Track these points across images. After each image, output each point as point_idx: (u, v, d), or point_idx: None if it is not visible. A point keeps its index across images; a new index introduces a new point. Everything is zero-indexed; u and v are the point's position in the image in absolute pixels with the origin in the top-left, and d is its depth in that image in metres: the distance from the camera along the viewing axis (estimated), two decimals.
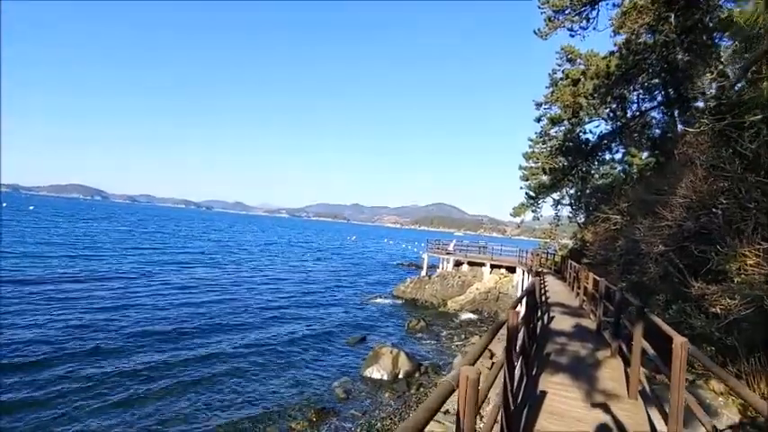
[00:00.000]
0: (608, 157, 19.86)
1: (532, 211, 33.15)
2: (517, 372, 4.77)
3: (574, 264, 15.59)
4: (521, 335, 4.70)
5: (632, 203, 12.42)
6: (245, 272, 35.95)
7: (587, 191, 23.16)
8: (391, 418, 11.41)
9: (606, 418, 4.00)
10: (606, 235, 15.34)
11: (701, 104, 12.47)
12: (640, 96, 19.41)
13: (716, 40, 13.04)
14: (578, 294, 12.87)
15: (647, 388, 4.20)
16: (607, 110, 22.44)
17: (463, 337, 20.36)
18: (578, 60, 24.64)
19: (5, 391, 11.01)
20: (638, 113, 17.38)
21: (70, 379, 12.06)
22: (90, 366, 13.04)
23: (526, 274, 23.08)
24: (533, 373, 5.13)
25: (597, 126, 21.56)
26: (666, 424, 3.59)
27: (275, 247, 67.09)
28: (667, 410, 4.15)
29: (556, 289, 15.68)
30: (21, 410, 10.20)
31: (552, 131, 29.08)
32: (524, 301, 5.09)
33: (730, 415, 6.18)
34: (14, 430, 9.50)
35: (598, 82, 16.25)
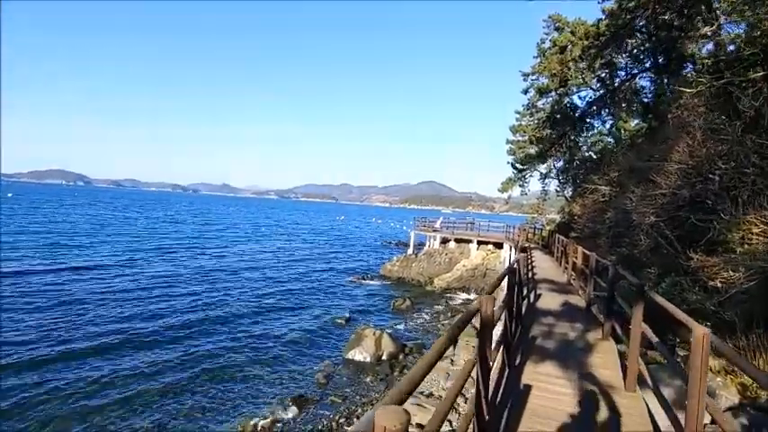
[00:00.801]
0: (597, 124, 19.12)
1: (520, 186, 32.60)
2: (498, 363, 4.11)
3: (562, 238, 15.06)
4: (501, 322, 4.02)
5: (622, 172, 11.79)
6: (228, 255, 35.06)
7: (575, 162, 22.52)
8: (373, 404, 10.88)
9: (601, 417, 3.38)
10: (594, 207, 14.77)
11: (692, 68, 11.76)
12: (629, 63, 18.63)
13: None
14: (566, 270, 12.33)
15: (649, 378, 3.59)
16: (595, 78, 21.68)
17: (449, 314, 19.92)
18: (566, 29, 23.71)
19: None
20: (627, 78, 16.61)
21: (41, 372, 11.29)
22: (61, 361, 12.26)
23: (513, 249, 22.60)
24: (517, 362, 4.50)
25: (586, 96, 20.71)
26: (675, 424, 2.95)
27: (261, 230, 66.06)
28: (669, 401, 3.56)
29: (543, 265, 15.16)
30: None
31: (540, 103, 28.27)
32: (506, 281, 4.41)
33: (729, 396, 5.66)
34: None
35: (587, 43, 15.41)
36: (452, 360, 10.77)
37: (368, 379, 12.46)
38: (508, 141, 31.12)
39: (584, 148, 26.02)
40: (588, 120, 19.35)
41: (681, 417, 2.85)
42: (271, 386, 11.75)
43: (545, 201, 33.00)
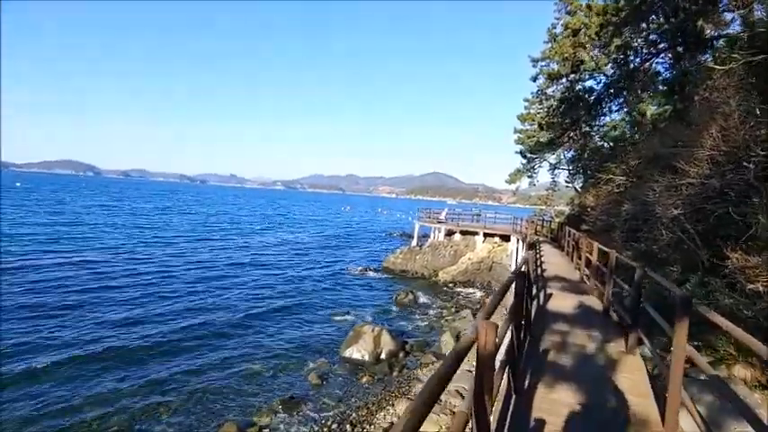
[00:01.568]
0: (614, 107, 17.85)
1: (528, 177, 31.55)
2: (502, 389, 3.30)
3: (573, 231, 14.15)
4: (505, 342, 3.21)
5: (642, 160, 10.83)
6: (231, 247, 34.45)
7: (587, 152, 21.43)
8: (368, 408, 10.17)
9: None
10: (609, 199, 13.82)
11: (722, 43, 10.70)
12: (646, 46, 17.45)
13: None
14: (578, 266, 11.46)
15: (697, 416, 2.77)
16: (610, 63, 20.49)
17: (453, 310, 19.13)
18: (579, 12, 22.51)
19: None
20: (646, 59, 15.48)
21: (41, 363, 10.69)
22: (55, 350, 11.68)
23: (521, 242, 21.70)
24: (526, 384, 3.69)
25: (599, 83, 19.46)
26: None
27: (266, 221, 65.52)
28: None
29: (553, 260, 14.28)
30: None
31: (550, 90, 27.12)
32: (512, 287, 3.60)
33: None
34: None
35: (604, 20, 14.29)
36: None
37: (364, 380, 11.74)
38: (516, 130, 30.05)
39: (596, 138, 24.91)
40: (604, 104, 18.15)
41: None
42: (260, 386, 11.07)
43: (554, 192, 31.97)
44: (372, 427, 9.23)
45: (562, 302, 7.32)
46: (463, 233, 27.82)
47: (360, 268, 28.21)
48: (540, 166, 30.88)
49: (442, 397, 8.61)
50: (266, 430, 9.14)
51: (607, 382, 3.91)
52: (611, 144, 17.62)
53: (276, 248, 35.25)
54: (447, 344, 14.14)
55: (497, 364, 3.16)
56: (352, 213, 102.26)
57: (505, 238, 26.38)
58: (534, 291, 7.35)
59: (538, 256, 11.83)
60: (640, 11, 11.92)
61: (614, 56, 19.51)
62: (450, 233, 28.77)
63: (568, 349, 4.78)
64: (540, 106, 27.07)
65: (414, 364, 13.04)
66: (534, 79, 28.12)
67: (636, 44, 18.53)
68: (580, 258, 11.41)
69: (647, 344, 4.25)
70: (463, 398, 6.80)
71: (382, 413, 9.91)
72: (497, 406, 3.02)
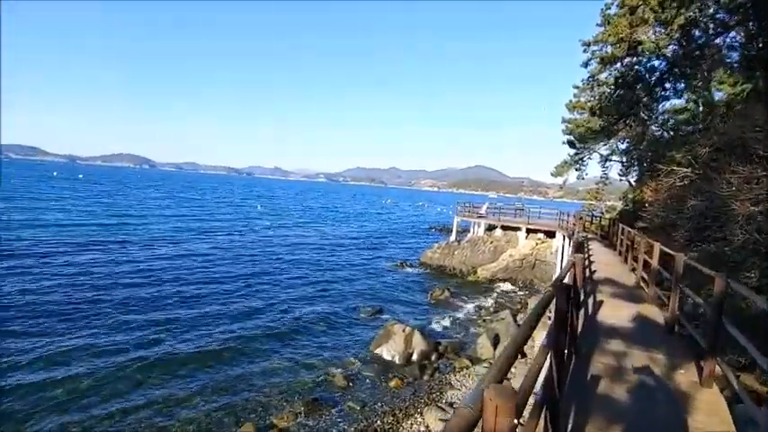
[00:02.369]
0: (681, 87, 15.74)
1: (576, 170, 29.64)
2: None
3: (627, 229, 12.77)
4: (542, 374, 2.41)
5: (713, 148, 9.40)
6: (271, 239, 34.73)
7: (644, 142, 19.52)
8: (395, 414, 9.52)
9: None
10: (670, 193, 12.34)
11: None
12: (717, 19, 15.50)
13: None
14: (634, 269, 10.21)
15: None
16: (670, 45, 18.49)
17: (492, 310, 18.09)
18: None
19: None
20: (715, 35, 13.64)
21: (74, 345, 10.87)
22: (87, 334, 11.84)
23: (567, 239, 20.23)
24: (569, 430, 2.86)
25: (659, 65, 17.41)
26: None
27: (307, 213, 66.17)
28: None
29: (603, 259, 12.98)
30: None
31: (602, 76, 25.16)
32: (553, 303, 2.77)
33: None
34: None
35: None
36: None
37: (392, 383, 11.08)
38: (564, 120, 28.21)
39: (654, 127, 22.77)
40: (668, 85, 16.21)
41: None
42: (284, 385, 10.66)
43: (605, 186, 29.86)
44: None
45: (616, 312, 6.27)
46: (504, 228, 26.48)
47: (396, 263, 27.55)
48: (589, 158, 28.90)
49: None
50: None
51: (678, 430, 2.99)
52: (673, 132, 15.78)
53: (314, 241, 35.21)
54: (483, 347, 13.24)
55: (530, 403, 2.37)
56: (393, 207, 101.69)
57: (550, 235, 24.85)
58: (582, 296, 6.37)
59: (587, 257, 10.65)
60: None
61: (677, 35, 17.59)
62: (490, 228, 27.50)
63: (625, 377, 3.86)
64: (591, 93, 25.17)
65: (447, 367, 12.25)
66: (585, 65, 26.13)
67: (703, 22, 16.56)
68: (635, 260, 10.15)
69: (732, 380, 3.28)
70: None
71: (409, 421, 9.24)
72: None
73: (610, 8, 22.41)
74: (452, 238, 28.96)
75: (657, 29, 19.68)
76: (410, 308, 18.02)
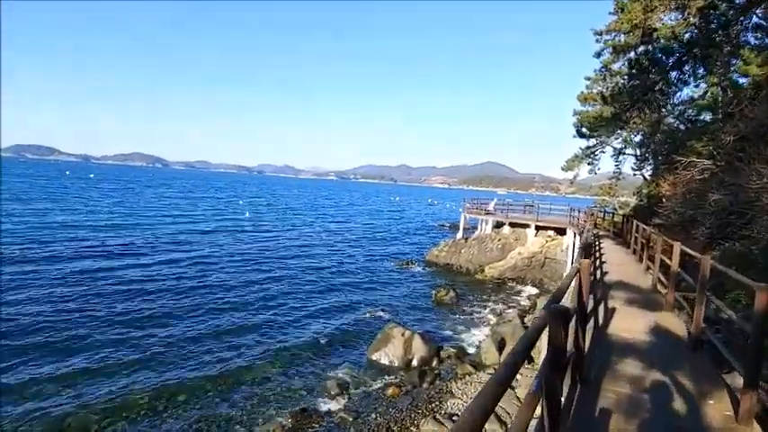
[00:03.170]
0: (701, 72, 14.64)
1: (588, 164, 28.59)
2: None
3: (641, 226, 11.89)
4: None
5: (740, 136, 8.52)
6: (277, 238, 34.22)
7: (659, 133, 18.47)
8: (389, 427, 8.84)
9: None
10: (689, 187, 11.45)
11: None
12: (736, 3, 14.50)
13: None
14: (649, 269, 9.38)
15: None
16: (687, 31, 17.43)
17: (498, 311, 17.31)
18: None
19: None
20: (735, 18, 12.65)
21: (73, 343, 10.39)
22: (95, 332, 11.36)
23: (577, 236, 19.33)
24: None
25: (681, 44, 16.25)
26: None
27: (314, 210, 65.69)
28: None
29: (616, 258, 12.12)
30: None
31: (615, 66, 24.11)
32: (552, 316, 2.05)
33: None
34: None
35: None
36: None
37: (389, 391, 10.40)
38: (575, 112, 27.16)
39: (670, 119, 21.68)
40: (687, 67, 15.12)
41: None
42: (273, 391, 10.08)
43: (618, 181, 28.77)
44: None
45: (630, 324, 5.48)
46: (513, 225, 25.60)
47: (401, 261, 26.84)
48: (601, 152, 27.84)
49: None
50: None
51: None
52: (693, 119, 14.71)
53: (319, 239, 34.63)
54: (487, 352, 12.48)
55: None
56: (402, 204, 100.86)
57: (561, 232, 23.92)
58: (591, 303, 5.61)
59: (597, 256, 9.82)
60: None
61: (695, 19, 16.55)
62: (498, 225, 26.65)
63: (642, 411, 3.11)
64: (603, 84, 24.15)
65: (448, 373, 11.54)
66: (598, 55, 25.08)
67: (723, 6, 15.51)
68: (651, 260, 9.32)
69: None
70: None
71: None
72: None
73: None
74: (459, 235, 28.15)
75: (674, 14, 18.65)
76: (413, 309, 17.31)
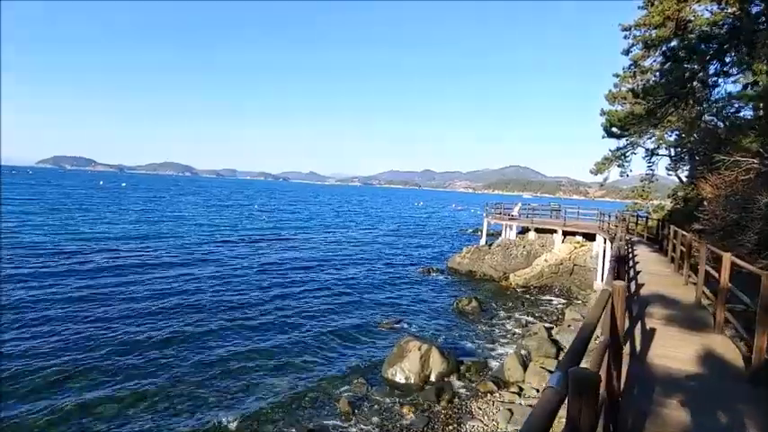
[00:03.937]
0: (744, 63, 13.37)
1: (618, 166, 27.27)
2: None
3: (680, 232, 10.88)
4: None
5: None
6: (299, 245, 34.06)
7: (696, 132, 17.20)
8: None
9: None
10: (733, 188, 10.40)
11: None
12: None
13: None
14: (690, 278, 8.43)
15: None
16: (725, 24, 16.20)
17: (524, 323, 16.37)
18: None
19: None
20: None
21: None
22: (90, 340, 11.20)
23: (608, 242, 18.20)
24: None
25: (722, 27, 14.93)
26: None
27: (337, 216, 65.60)
28: None
29: (652, 268, 11.12)
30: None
31: (646, 62, 22.90)
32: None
33: None
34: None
35: None
36: None
37: (404, 410, 9.72)
38: (603, 112, 25.95)
39: (707, 116, 20.28)
40: (728, 58, 13.90)
41: None
42: (281, 408, 9.54)
43: (651, 183, 27.29)
44: None
45: (674, 350, 4.67)
46: (539, 231, 24.54)
47: (423, 268, 26.10)
48: (633, 153, 26.51)
49: None
50: None
51: None
52: (734, 116, 13.51)
53: (341, 246, 34.24)
54: (511, 368, 11.62)
55: None
56: (425, 209, 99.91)
57: (590, 237, 22.74)
58: (627, 322, 4.84)
59: (631, 265, 8.92)
60: None
61: (734, 9, 15.35)
62: (523, 231, 25.61)
63: None
64: (633, 81, 22.96)
65: (468, 392, 10.76)
66: (627, 52, 23.97)
67: None
68: (693, 270, 8.37)
69: None
70: None
71: None
72: None
73: None
74: (482, 241, 27.23)
75: (709, 6, 17.50)
76: (432, 319, 16.58)
